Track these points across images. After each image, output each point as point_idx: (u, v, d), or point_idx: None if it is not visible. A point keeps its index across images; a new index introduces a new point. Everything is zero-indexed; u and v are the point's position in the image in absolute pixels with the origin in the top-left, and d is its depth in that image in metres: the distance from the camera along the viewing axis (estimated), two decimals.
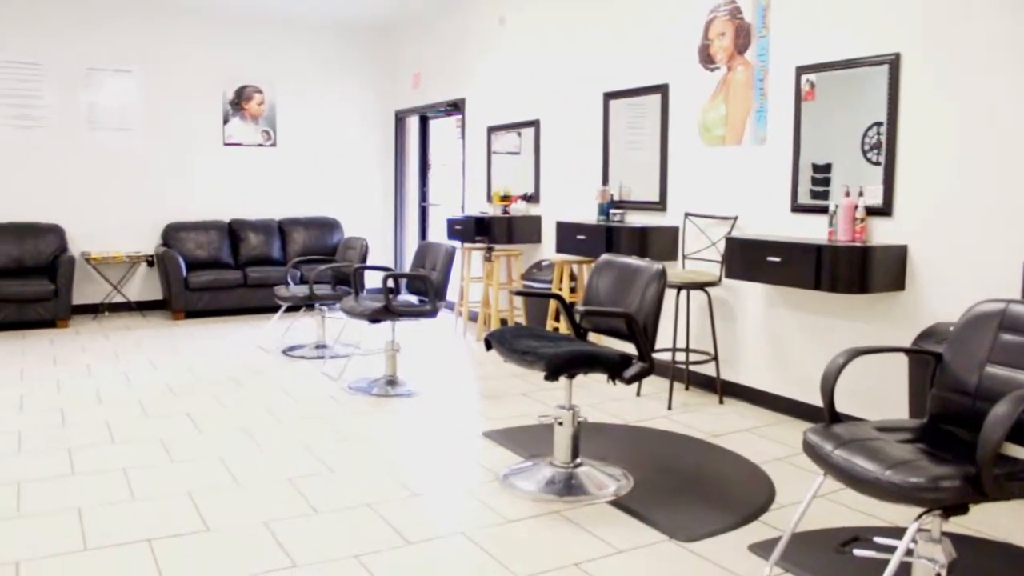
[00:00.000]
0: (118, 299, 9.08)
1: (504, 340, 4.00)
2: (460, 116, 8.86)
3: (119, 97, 8.97)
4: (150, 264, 9.12)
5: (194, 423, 4.97)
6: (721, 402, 5.47)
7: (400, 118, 10.12)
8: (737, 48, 5.45)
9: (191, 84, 9.25)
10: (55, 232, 8.56)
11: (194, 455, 4.39)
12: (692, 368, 5.84)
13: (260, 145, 9.63)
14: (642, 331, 3.77)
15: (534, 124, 7.55)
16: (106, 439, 4.68)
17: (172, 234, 8.97)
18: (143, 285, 9.21)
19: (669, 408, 5.32)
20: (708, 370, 5.74)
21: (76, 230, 8.85)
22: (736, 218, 5.47)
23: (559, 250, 6.54)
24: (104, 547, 3.28)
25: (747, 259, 4.86)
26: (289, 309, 7.41)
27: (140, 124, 9.07)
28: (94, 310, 9.00)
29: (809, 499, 2.78)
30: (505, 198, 7.62)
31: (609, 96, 6.59)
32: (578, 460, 4.00)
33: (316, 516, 3.56)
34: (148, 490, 3.88)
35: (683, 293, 5.81)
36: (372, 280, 9.28)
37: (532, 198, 7.61)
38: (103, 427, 4.90)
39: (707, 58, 5.68)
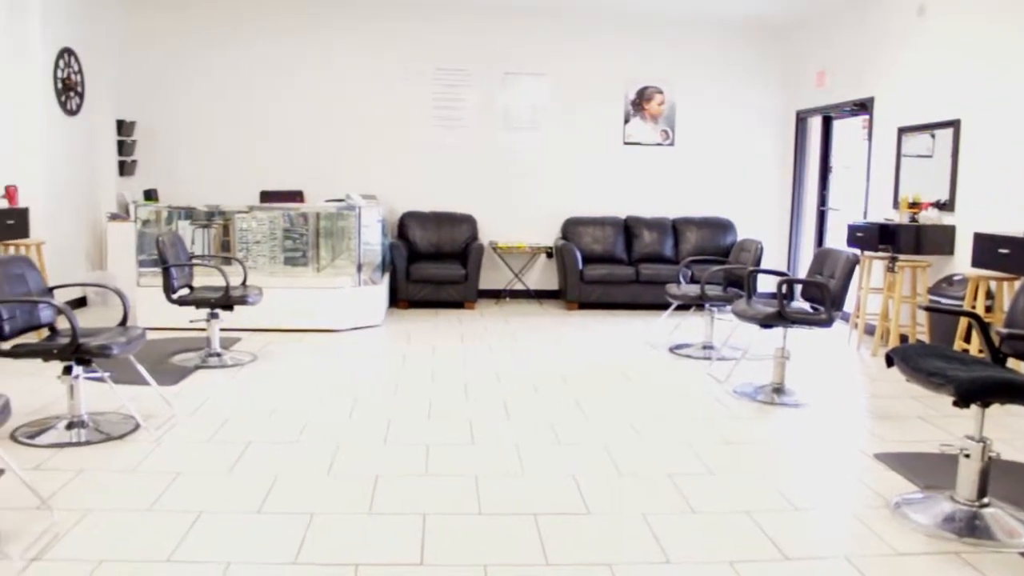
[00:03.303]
0: (518, 287, 9.74)
1: (908, 358, 3.70)
2: (867, 116, 8.35)
3: (530, 99, 9.61)
4: (549, 256, 9.66)
5: (582, 410, 5.18)
6: None
7: (801, 118, 9.76)
8: None
9: (595, 85, 9.65)
10: (468, 222, 9.42)
11: (580, 440, 4.57)
12: None
13: (658, 144, 9.80)
14: None
15: (952, 124, 6.90)
16: (502, 415, 5.03)
17: (571, 228, 9.44)
18: (541, 275, 9.80)
19: None
20: None
21: (486, 221, 9.63)
22: None
23: (975, 264, 5.92)
24: (495, 514, 3.53)
25: None
26: (679, 307, 7.46)
27: (547, 124, 9.64)
28: (496, 295, 9.74)
29: None
30: (914, 205, 7.06)
31: None
32: (985, 499, 3.59)
33: (693, 515, 3.55)
34: (536, 467, 4.11)
35: None
36: (764, 284, 9.06)
37: (945, 206, 6.97)
38: (500, 404, 5.28)
39: None
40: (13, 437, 4.39)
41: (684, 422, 4.96)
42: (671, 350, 7.00)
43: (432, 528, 3.37)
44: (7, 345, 4.28)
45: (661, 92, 9.74)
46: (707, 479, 4.00)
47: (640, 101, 9.73)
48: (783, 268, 9.90)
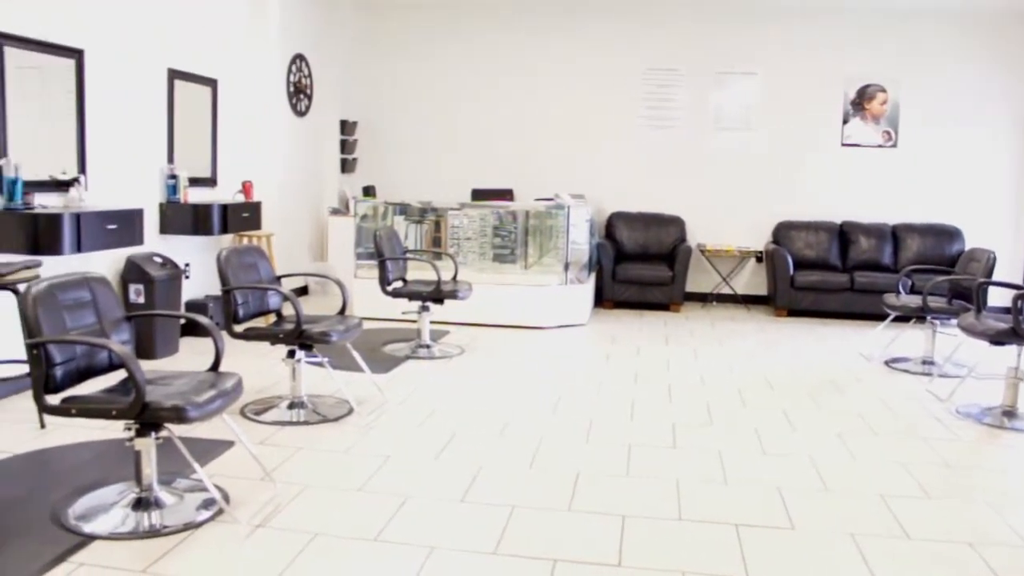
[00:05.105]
0: (725, 291, 9.53)
1: None
2: None
3: (742, 98, 9.37)
4: (759, 260, 9.39)
5: (788, 420, 5.01)
6: None
7: None
8: None
9: (812, 84, 9.27)
10: (676, 223, 9.31)
11: (785, 451, 4.42)
12: None
13: (879, 146, 9.30)
14: None
15: None
16: (705, 420, 4.94)
17: (782, 232, 9.13)
18: (750, 279, 9.54)
19: None
20: None
21: (694, 222, 9.48)
22: None
23: None
24: (695, 521, 3.47)
25: None
26: (897, 319, 7.04)
27: (760, 124, 9.37)
28: (703, 298, 9.57)
29: None
30: None
31: None
32: None
33: (907, 541, 3.34)
34: (739, 476, 4.01)
35: None
36: (996, 298, 8.40)
37: None
38: (703, 409, 5.19)
39: None
40: (242, 413, 4.74)
41: (899, 440, 4.68)
42: (887, 363, 6.63)
43: (631, 529, 3.35)
44: (240, 328, 4.63)
45: (884, 90, 9.23)
46: (924, 504, 3.76)
47: (861, 100, 9.27)
48: (1018, 281, 9.15)
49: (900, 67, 9.17)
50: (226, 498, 3.52)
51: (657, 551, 3.18)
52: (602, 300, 8.91)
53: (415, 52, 9.77)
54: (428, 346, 6.54)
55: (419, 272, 6.89)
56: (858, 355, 6.94)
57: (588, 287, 8.27)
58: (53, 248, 4.76)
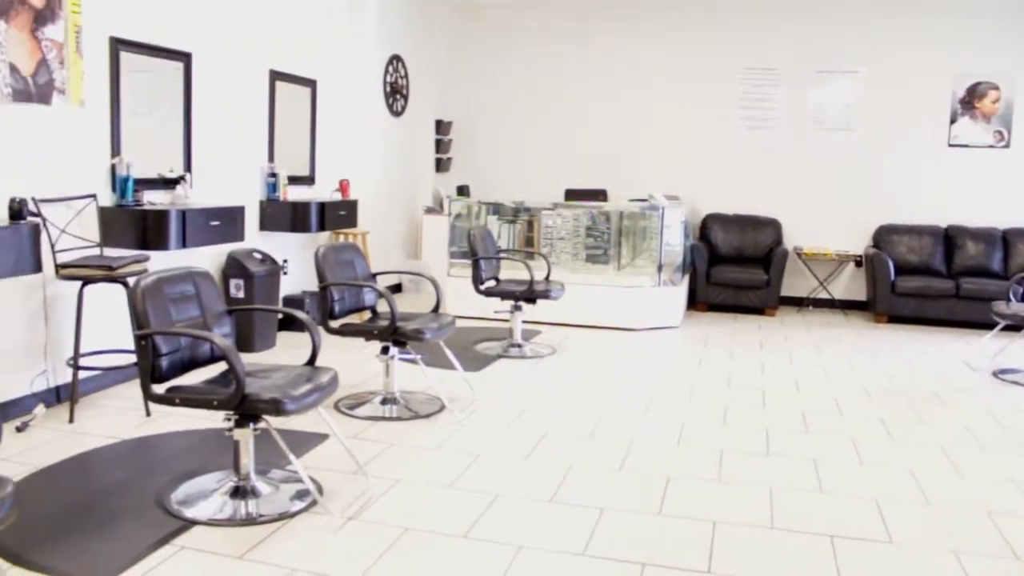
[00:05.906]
0: (822, 295, 9.30)
1: None
2: None
3: (843, 97, 9.12)
4: (858, 264, 9.14)
5: (887, 429, 4.85)
6: None
7: None
8: None
9: (917, 82, 8.95)
10: (772, 226, 9.13)
11: (884, 461, 4.29)
12: None
13: (990, 147, 8.93)
14: None
15: None
16: (800, 427, 4.83)
17: (883, 236, 8.86)
18: (848, 284, 9.28)
19: None
20: None
21: (791, 225, 9.28)
22: None
23: None
24: (788, 530, 3.40)
25: None
26: (1006, 328, 6.76)
27: (861, 124, 9.10)
28: (799, 303, 9.35)
29: None
30: None
31: None
32: None
33: (1016, 562, 3.20)
34: (835, 486, 3.91)
35: None
36: None
37: None
38: (798, 415, 5.07)
39: None
40: (336, 407, 4.84)
41: (1008, 455, 4.49)
42: (995, 374, 6.37)
43: (721, 536, 3.30)
44: (336, 324, 4.73)
45: (996, 88, 8.86)
46: None
47: (971, 99, 8.92)
48: None
49: (1015, 64, 8.79)
50: (320, 490, 3.60)
51: (748, 559, 3.12)
52: (695, 303, 8.80)
53: (510, 53, 9.82)
54: (520, 345, 6.56)
55: (512, 272, 6.92)
56: (963, 365, 6.69)
57: (681, 289, 8.17)
58: (160, 243, 4.93)
